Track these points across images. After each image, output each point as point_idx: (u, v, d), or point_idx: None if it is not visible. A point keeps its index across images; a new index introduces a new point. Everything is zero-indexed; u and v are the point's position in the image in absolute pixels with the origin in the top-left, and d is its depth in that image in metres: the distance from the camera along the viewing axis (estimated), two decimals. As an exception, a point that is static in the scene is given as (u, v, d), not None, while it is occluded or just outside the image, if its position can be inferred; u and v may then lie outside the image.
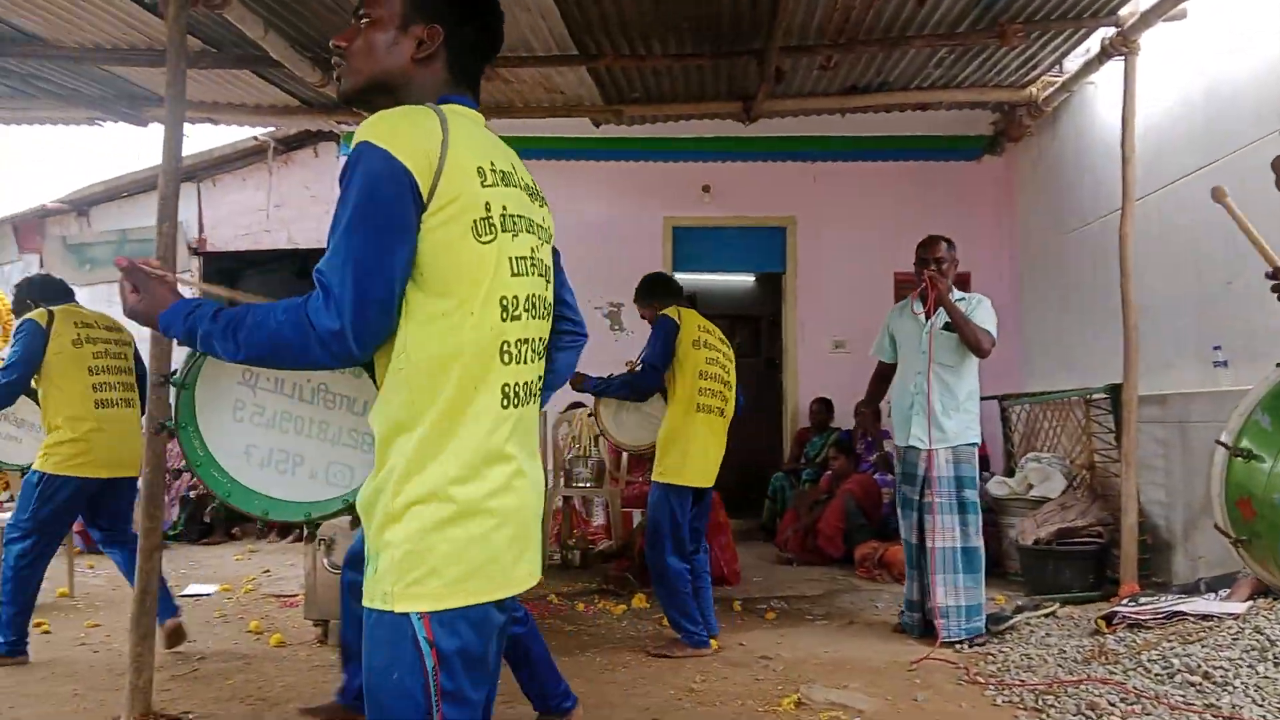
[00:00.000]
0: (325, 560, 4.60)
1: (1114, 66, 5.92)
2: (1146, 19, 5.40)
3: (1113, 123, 6.09)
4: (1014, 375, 8.48)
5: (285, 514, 1.84)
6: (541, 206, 1.87)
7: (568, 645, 4.89)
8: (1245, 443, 4.10)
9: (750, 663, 4.52)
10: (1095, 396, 6.39)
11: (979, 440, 5.01)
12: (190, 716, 3.77)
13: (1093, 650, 4.21)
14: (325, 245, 1.60)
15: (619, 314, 9.12)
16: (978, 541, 4.83)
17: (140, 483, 3.84)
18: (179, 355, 3.35)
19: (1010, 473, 7.12)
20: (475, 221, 1.62)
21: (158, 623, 4.70)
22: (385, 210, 1.55)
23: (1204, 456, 5.30)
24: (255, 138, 9.57)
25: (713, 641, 4.76)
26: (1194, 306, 5.72)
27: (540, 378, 1.81)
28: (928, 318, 4.97)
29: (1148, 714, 3.45)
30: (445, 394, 1.60)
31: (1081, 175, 7.40)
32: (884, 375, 5.33)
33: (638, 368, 4.99)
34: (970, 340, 4.83)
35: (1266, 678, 3.51)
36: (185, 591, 6.28)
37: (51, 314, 4.67)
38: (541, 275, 1.79)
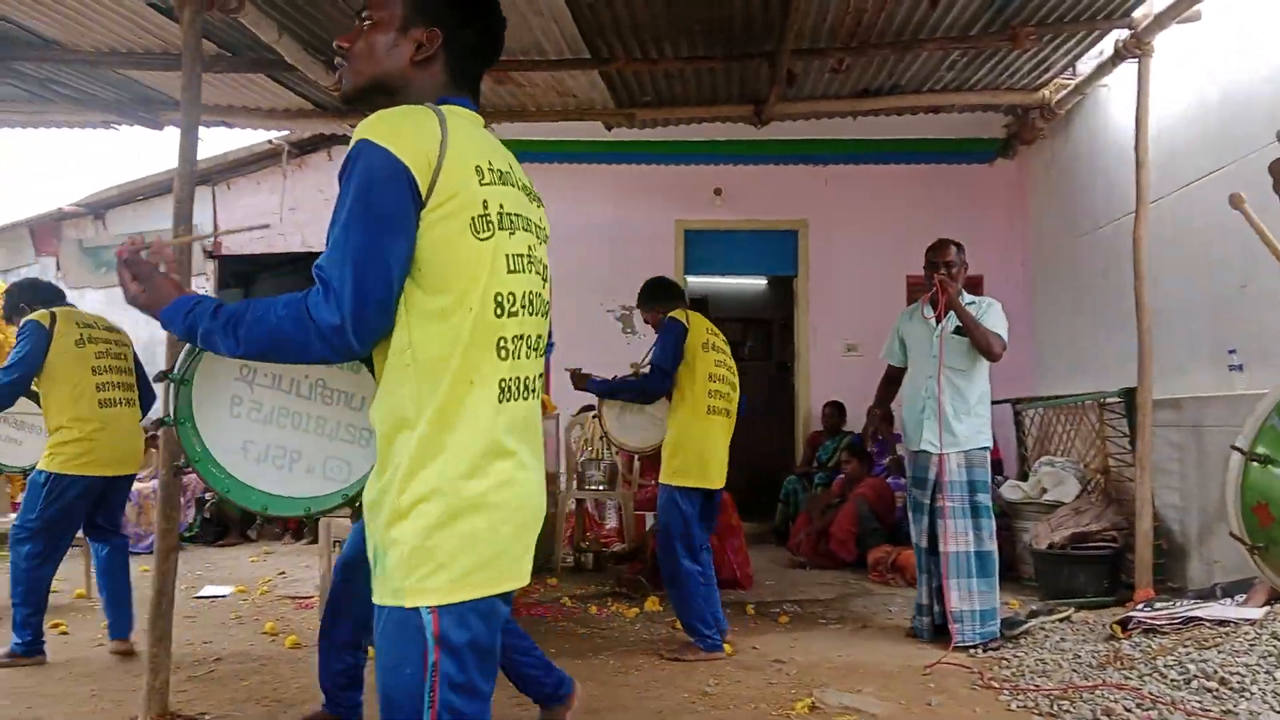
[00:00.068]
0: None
1: (1127, 69, 5.90)
2: (1160, 21, 5.38)
3: (1126, 125, 6.08)
4: (1027, 379, 8.46)
5: (284, 509, 1.84)
6: (539, 207, 1.90)
7: (580, 648, 4.90)
8: (1261, 448, 4.06)
9: (763, 666, 4.52)
10: (1109, 400, 6.37)
11: (990, 444, 5.00)
12: (206, 717, 3.78)
13: (1108, 655, 4.19)
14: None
15: (630, 317, 9.13)
16: (991, 546, 4.82)
17: (157, 484, 3.87)
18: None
19: (1024, 477, 7.10)
20: (473, 219, 1.64)
21: (109, 637, 4.77)
22: (384, 206, 1.58)
23: (1219, 461, 5.27)
24: (269, 141, 9.61)
25: (726, 646, 4.75)
26: (1208, 310, 5.70)
27: (540, 375, 1.84)
28: (938, 322, 4.97)
29: None
30: (445, 389, 1.62)
31: (1094, 178, 7.38)
32: (893, 378, 5.33)
33: (643, 370, 4.99)
34: (981, 344, 4.82)
35: (1283, 683, 3.49)
36: (201, 593, 6.31)
37: (54, 315, 4.71)
38: (539, 274, 1.81)
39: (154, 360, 4.51)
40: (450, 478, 1.61)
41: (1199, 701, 3.51)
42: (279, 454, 1.81)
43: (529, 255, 1.77)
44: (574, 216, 9.19)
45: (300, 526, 8.64)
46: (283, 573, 7.16)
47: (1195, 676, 3.68)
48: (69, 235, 10.36)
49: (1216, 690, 3.55)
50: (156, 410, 5.23)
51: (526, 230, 1.78)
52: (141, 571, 6.86)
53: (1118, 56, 5.82)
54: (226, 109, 7.12)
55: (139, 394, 4.97)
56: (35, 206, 10.53)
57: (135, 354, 5.05)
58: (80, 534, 5.00)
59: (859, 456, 7.58)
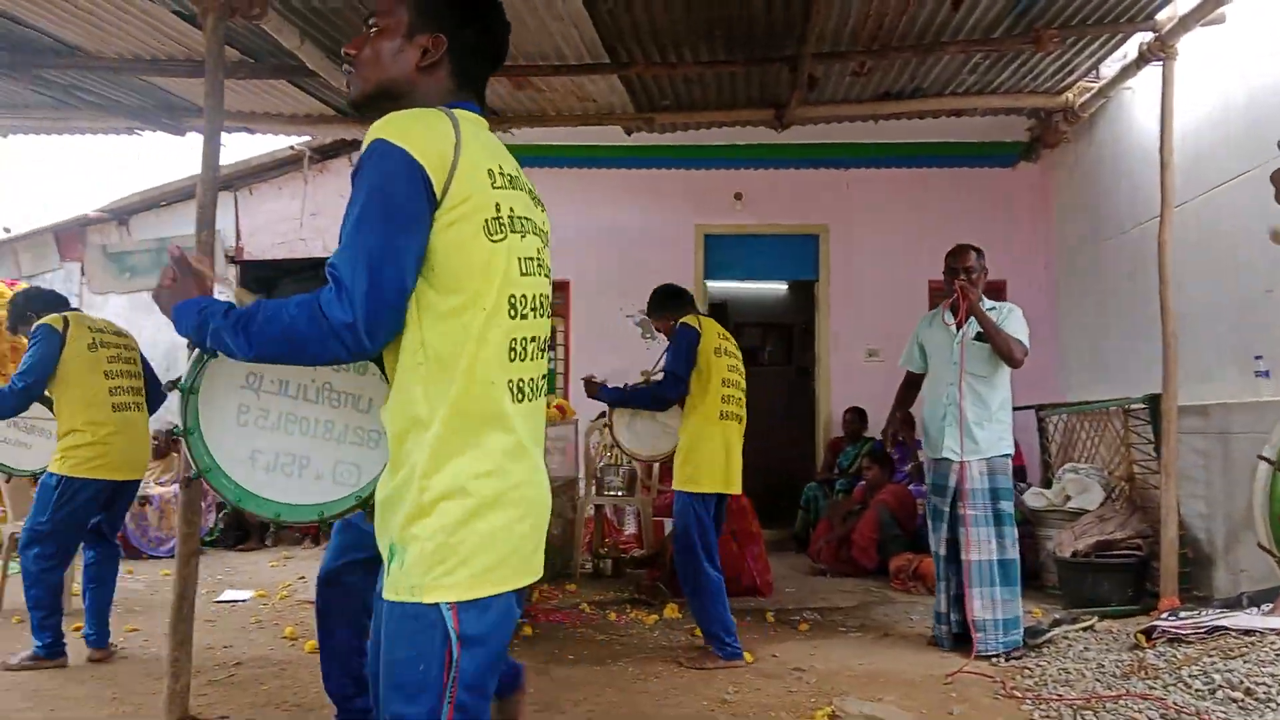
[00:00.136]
0: None
1: (1152, 72, 5.85)
2: (1185, 24, 5.33)
3: (1150, 128, 6.02)
4: (1051, 385, 8.39)
5: (298, 516, 1.82)
6: (542, 210, 1.93)
7: (599, 654, 4.89)
8: (1289, 456, 4.02)
9: (783, 674, 4.49)
10: (1134, 407, 6.31)
11: (1012, 450, 4.95)
12: (225, 722, 3.80)
13: (1132, 665, 4.14)
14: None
15: (650, 323, 9.11)
16: (1014, 553, 4.78)
17: (178, 489, 3.89)
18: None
19: (1047, 484, 7.04)
20: (487, 221, 1.67)
21: (90, 645, 4.79)
22: (398, 205, 1.59)
23: (1246, 468, 5.21)
24: (291, 147, 9.67)
25: (746, 654, 4.72)
26: (1234, 315, 5.63)
27: (545, 375, 1.87)
28: (959, 328, 4.93)
29: (1189, 731, 3.39)
30: (461, 389, 1.64)
31: (1119, 181, 7.32)
32: (912, 383, 5.30)
33: (654, 378, 4.98)
34: (1003, 350, 4.78)
35: (1312, 695, 3.44)
36: (221, 597, 6.34)
37: (66, 319, 4.75)
38: (546, 276, 1.86)
39: (177, 365, 4.54)
40: (473, 476, 1.63)
41: (1224, 712, 3.46)
42: (288, 461, 1.80)
43: (538, 258, 1.81)
44: (593, 221, 9.21)
45: (318, 531, 8.67)
46: (302, 577, 7.18)
47: (1220, 687, 3.63)
48: (93, 241, 10.45)
49: (1242, 701, 3.50)
50: (163, 414, 5.28)
51: (534, 234, 1.81)
52: (163, 576, 6.93)
53: (1142, 59, 5.77)
54: (249, 115, 7.17)
55: (147, 397, 5.01)
56: (61, 212, 10.62)
57: (143, 357, 5.09)
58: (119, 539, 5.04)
59: (880, 463, 7.53)
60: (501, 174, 1.73)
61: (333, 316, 1.56)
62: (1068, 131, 7.93)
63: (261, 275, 10.74)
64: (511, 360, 1.71)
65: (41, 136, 7.81)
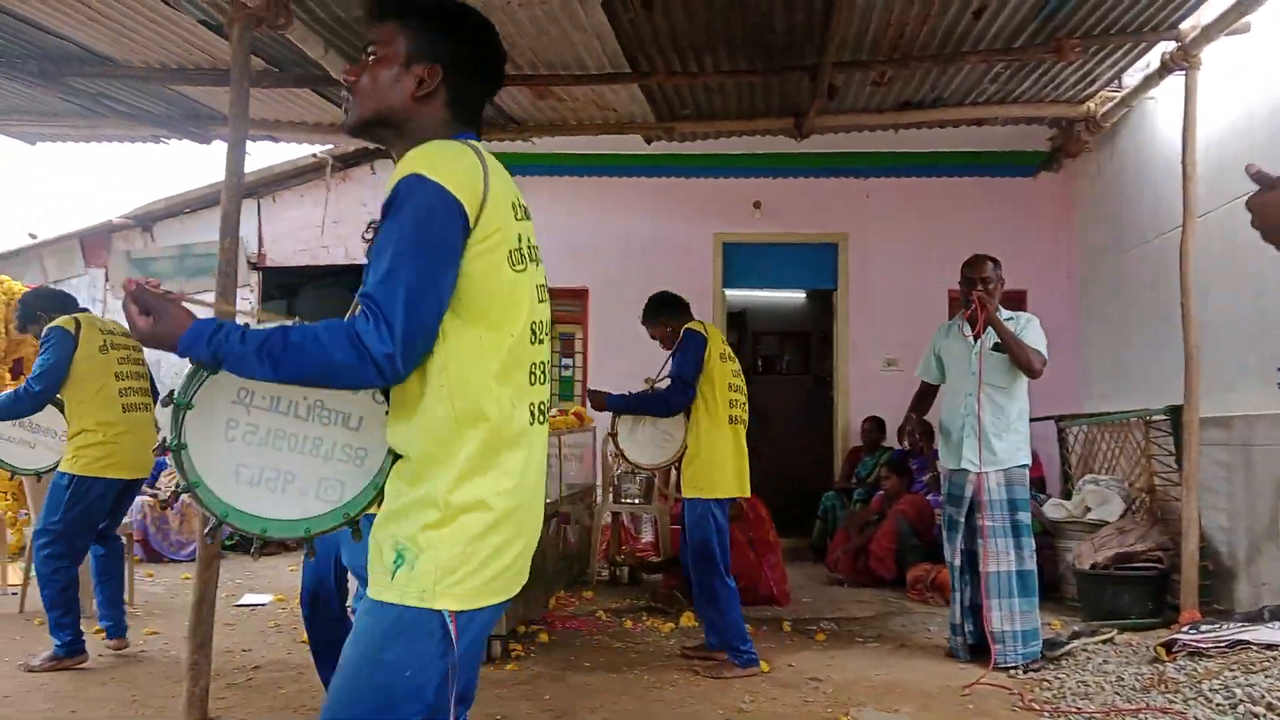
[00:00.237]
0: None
1: (1174, 81, 5.82)
2: (1208, 33, 5.30)
3: (1173, 138, 5.99)
4: (1071, 395, 8.34)
5: (284, 532, 1.80)
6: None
7: (615, 662, 4.90)
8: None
9: (800, 684, 4.48)
10: (1155, 418, 6.26)
11: (1030, 461, 4.94)
12: (244, 725, 3.83)
13: (1152, 678, 4.11)
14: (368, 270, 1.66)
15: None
16: (1032, 564, 4.76)
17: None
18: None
19: (1067, 495, 7.00)
20: (510, 252, 1.73)
21: (110, 636, 4.88)
22: (439, 239, 1.63)
23: (1268, 481, 5.17)
24: (314, 155, 9.74)
25: (763, 664, 4.72)
26: (1257, 326, 5.59)
27: (548, 399, 1.93)
28: (976, 338, 4.92)
29: (1209, 745, 3.36)
30: (489, 412, 1.69)
31: (1141, 191, 7.28)
32: (927, 392, 5.29)
33: (659, 385, 4.99)
34: (1022, 361, 4.77)
35: (1335, 710, 3.41)
36: (241, 601, 6.38)
37: (78, 321, 4.82)
38: (547, 302, 1.92)
39: (185, 364, 4.57)
40: (495, 492, 1.69)
41: (1246, 728, 3.44)
42: (273, 476, 1.79)
43: (545, 285, 1.89)
44: (613, 229, 9.24)
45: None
46: (322, 582, 7.21)
47: (1241, 701, 3.60)
48: (118, 247, 10.56)
49: (1264, 716, 3.47)
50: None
51: (540, 262, 1.88)
52: (183, 579, 6.97)
53: (1165, 69, 5.75)
54: (273, 123, 7.24)
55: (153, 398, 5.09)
56: (86, 219, 10.73)
57: (145, 359, 5.17)
58: (139, 541, 5.09)
59: (899, 473, 7.51)
60: (519, 206, 1.80)
61: (373, 347, 1.58)
62: (1090, 141, 7.89)
63: (283, 282, 10.82)
64: (531, 384, 1.80)
65: (69, 144, 7.92)
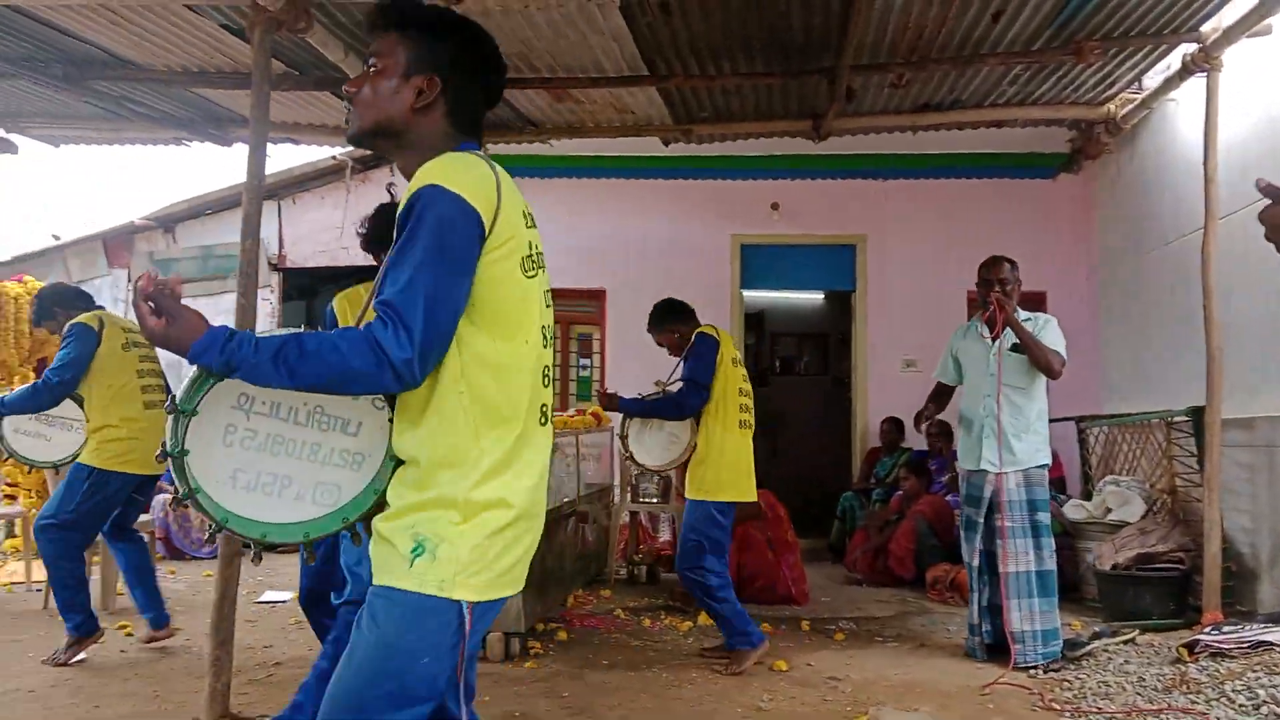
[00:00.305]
0: None
1: (1196, 83, 5.80)
2: (1229, 35, 5.28)
3: (1194, 140, 5.97)
4: (1092, 396, 8.30)
5: (284, 536, 1.80)
6: None
7: (634, 660, 4.91)
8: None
9: (818, 683, 4.48)
10: (1177, 419, 6.23)
11: (1049, 461, 4.92)
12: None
13: (1174, 679, 4.10)
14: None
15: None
16: (1051, 564, 4.75)
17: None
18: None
19: (1087, 496, 6.97)
20: (523, 259, 1.78)
21: (151, 628, 4.95)
22: (458, 249, 1.67)
23: (1291, 482, 5.14)
24: (334, 157, 9.79)
25: (781, 662, 4.73)
26: (1279, 328, 5.55)
27: (553, 401, 1.99)
28: (994, 339, 4.91)
29: (1231, 746, 3.35)
30: (509, 414, 1.75)
31: (1162, 194, 7.24)
32: (943, 391, 5.27)
33: (669, 389, 5.00)
34: (1041, 362, 4.76)
35: (1358, 712, 3.39)
36: (262, 598, 6.43)
37: (101, 319, 4.89)
38: (552, 306, 1.97)
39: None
40: (514, 490, 1.74)
41: (1269, 729, 3.42)
42: (270, 481, 1.79)
43: (549, 290, 1.94)
44: (630, 231, 9.25)
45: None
46: (342, 581, 7.25)
47: (1265, 702, 3.59)
48: (140, 248, 10.65)
49: (1287, 717, 3.46)
50: None
51: (545, 268, 1.92)
52: (204, 576, 7.03)
53: (1186, 70, 5.73)
54: (293, 126, 7.29)
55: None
56: (109, 220, 10.83)
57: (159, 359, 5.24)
58: (161, 538, 5.14)
59: (918, 473, 7.50)
60: (527, 214, 1.84)
61: (391, 352, 1.61)
62: (1110, 143, 7.87)
63: (303, 283, 10.88)
64: (545, 386, 1.86)
65: (92, 146, 8.00)
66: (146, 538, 5.44)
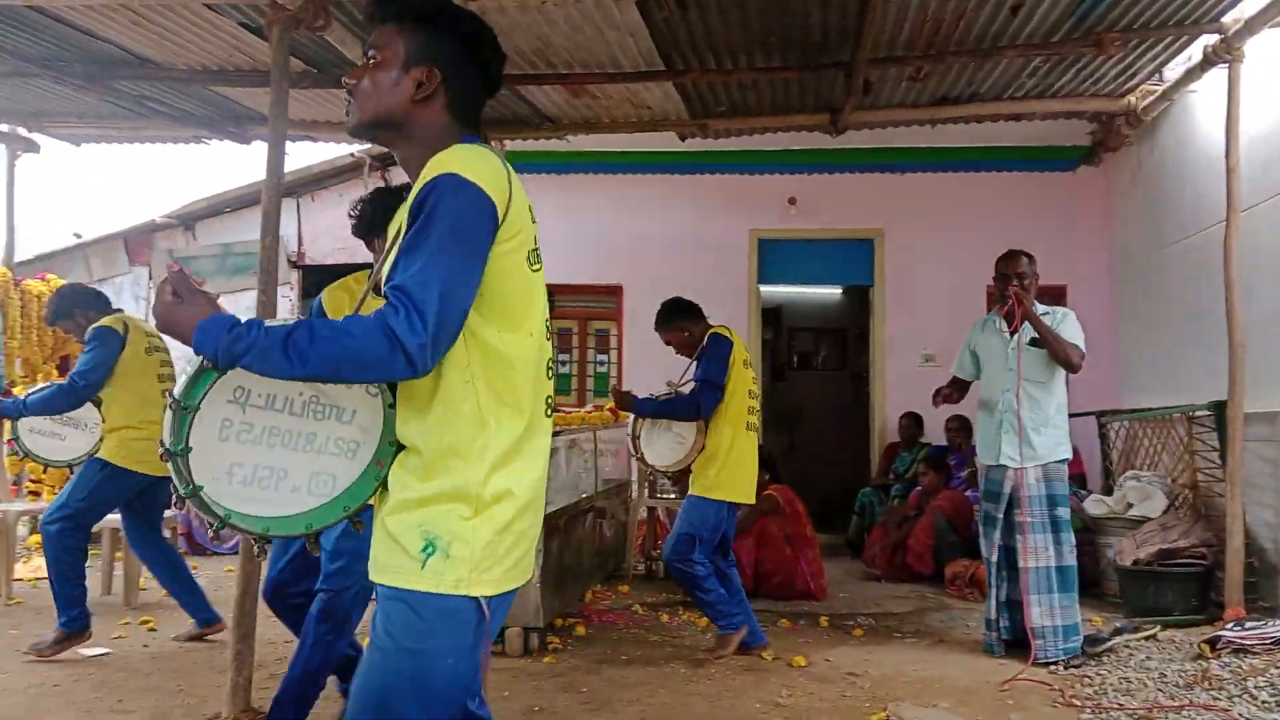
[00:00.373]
0: None
1: (1217, 74, 5.74)
2: (1251, 26, 5.23)
3: (1215, 132, 5.91)
4: (1111, 391, 8.25)
5: (286, 529, 1.79)
6: None
7: (652, 655, 4.92)
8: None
9: (837, 679, 4.48)
10: (1199, 413, 6.18)
11: (1070, 456, 4.90)
12: (287, 715, 3.87)
13: (1195, 675, 4.07)
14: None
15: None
16: (1071, 560, 4.73)
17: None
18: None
19: (1108, 491, 6.92)
20: (529, 252, 1.79)
21: (203, 624, 5.03)
22: (473, 238, 1.67)
23: (1315, 477, 5.09)
24: (352, 154, 9.83)
25: (799, 658, 4.73)
26: (1303, 321, 5.51)
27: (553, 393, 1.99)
28: (1013, 334, 4.88)
29: (1254, 742, 3.33)
30: (515, 405, 1.75)
31: (1183, 186, 7.19)
32: (960, 385, 5.25)
33: (681, 389, 5.01)
34: (1060, 356, 4.74)
35: (1383, 708, 3.36)
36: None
37: (126, 324, 4.94)
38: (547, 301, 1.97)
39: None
40: (520, 482, 1.75)
41: (1292, 725, 3.40)
42: (266, 474, 1.77)
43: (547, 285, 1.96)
44: (647, 227, 9.24)
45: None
46: (361, 576, 7.28)
47: (1288, 699, 3.56)
48: (161, 246, 10.72)
49: (1311, 714, 3.43)
50: None
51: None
52: (226, 571, 7.07)
53: (1207, 62, 5.68)
54: (311, 123, 7.33)
55: None
56: (130, 218, 10.91)
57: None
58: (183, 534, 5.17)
59: (936, 469, 7.47)
60: (531, 209, 1.84)
61: (406, 341, 1.58)
62: (1130, 135, 7.80)
63: (322, 280, 10.93)
64: (548, 379, 1.87)
65: (113, 145, 8.06)
66: (169, 534, 5.49)
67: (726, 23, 5.55)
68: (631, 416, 5.22)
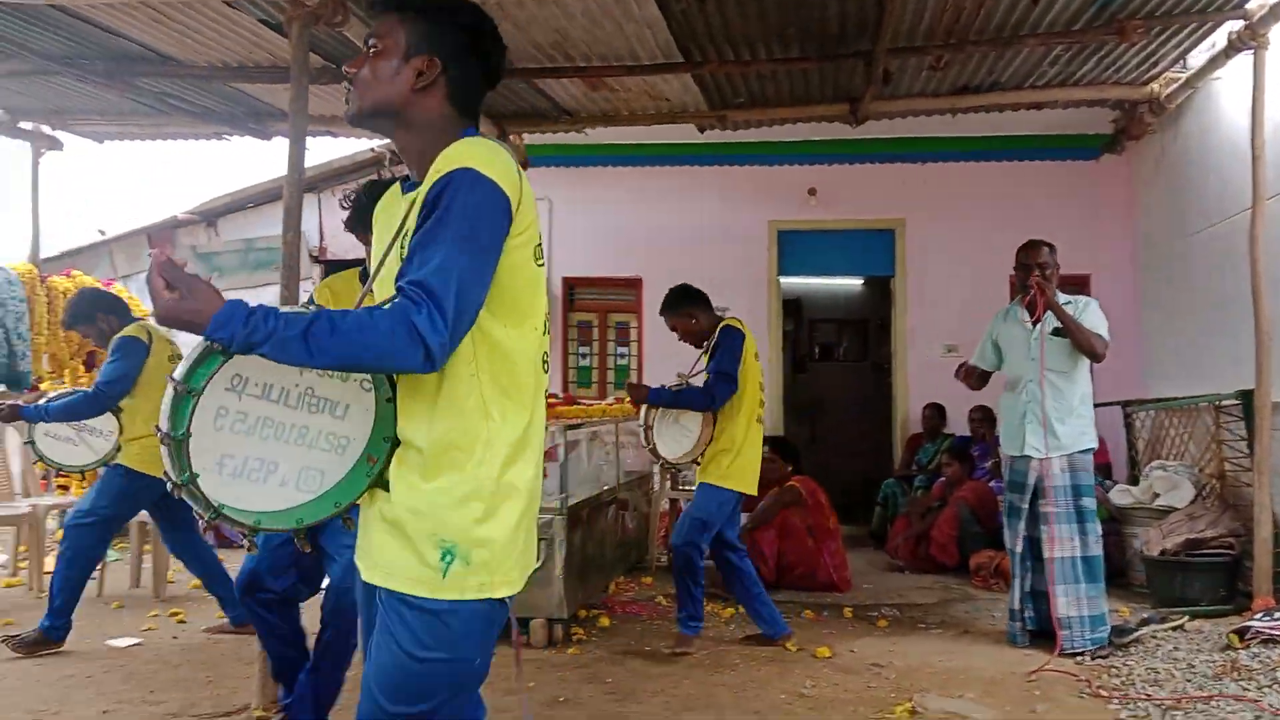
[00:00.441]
0: None
1: (1242, 61, 5.68)
2: (1276, 11, 5.17)
3: (1240, 120, 5.85)
4: (1137, 380, 8.19)
5: (277, 523, 1.76)
6: None
7: (676, 647, 4.92)
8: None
9: (862, 670, 4.48)
10: (1226, 403, 6.13)
11: (1095, 445, 4.87)
12: (315, 707, 3.90)
13: (1224, 666, 4.05)
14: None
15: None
16: (1097, 549, 4.70)
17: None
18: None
19: (1134, 481, 6.88)
20: (535, 247, 1.79)
21: (231, 624, 5.08)
22: (489, 234, 1.68)
23: (1344, 465, 5.03)
24: (372, 149, 9.84)
25: (824, 649, 4.73)
26: (1332, 308, 5.44)
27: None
28: (1035, 324, 4.86)
29: (1284, 733, 3.30)
30: (518, 399, 1.76)
31: (1206, 175, 7.12)
32: (981, 376, 5.22)
33: (690, 380, 5.02)
34: (1084, 345, 4.71)
35: None
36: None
37: (150, 333, 4.96)
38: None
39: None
40: (523, 477, 1.76)
41: (1323, 715, 3.37)
42: (256, 466, 1.74)
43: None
44: (666, 219, 9.23)
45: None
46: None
47: (1318, 689, 3.53)
48: (183, 242, 10.79)
49: (1342, 704, 3.40)
50: None
51: None
52: (252, 566, 7.12)
53: (1231, 48, 5.61)
54: (331, 119, 7.35)
55: None
56: (152, 214, 10.99)
57: None
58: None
59: (960, 459, 7.44)
60: (534, 205, 1.84)
61: (428, 336, 1.58)
62: (1153, 123, 7.72)
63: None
64: (545, 372, 1.87)
65: (135, 142, 8.11)
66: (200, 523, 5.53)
67: (744, 14, 5.53)
68: (644, 407, 5.22)
